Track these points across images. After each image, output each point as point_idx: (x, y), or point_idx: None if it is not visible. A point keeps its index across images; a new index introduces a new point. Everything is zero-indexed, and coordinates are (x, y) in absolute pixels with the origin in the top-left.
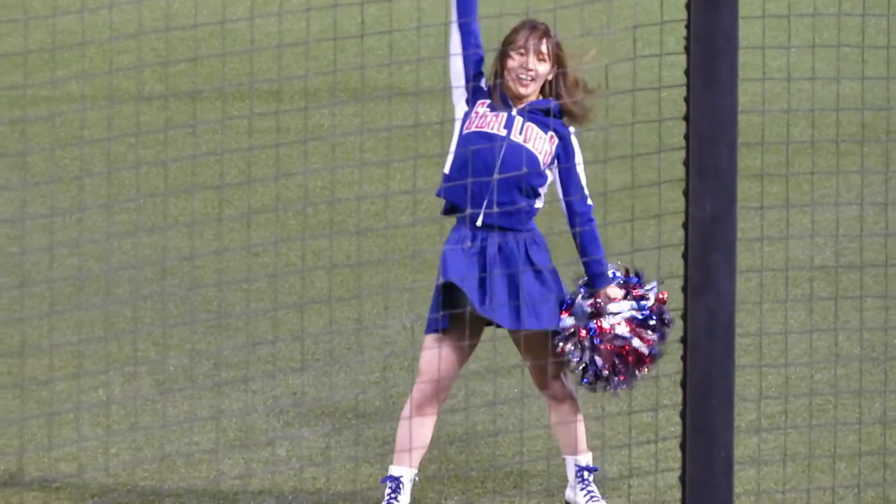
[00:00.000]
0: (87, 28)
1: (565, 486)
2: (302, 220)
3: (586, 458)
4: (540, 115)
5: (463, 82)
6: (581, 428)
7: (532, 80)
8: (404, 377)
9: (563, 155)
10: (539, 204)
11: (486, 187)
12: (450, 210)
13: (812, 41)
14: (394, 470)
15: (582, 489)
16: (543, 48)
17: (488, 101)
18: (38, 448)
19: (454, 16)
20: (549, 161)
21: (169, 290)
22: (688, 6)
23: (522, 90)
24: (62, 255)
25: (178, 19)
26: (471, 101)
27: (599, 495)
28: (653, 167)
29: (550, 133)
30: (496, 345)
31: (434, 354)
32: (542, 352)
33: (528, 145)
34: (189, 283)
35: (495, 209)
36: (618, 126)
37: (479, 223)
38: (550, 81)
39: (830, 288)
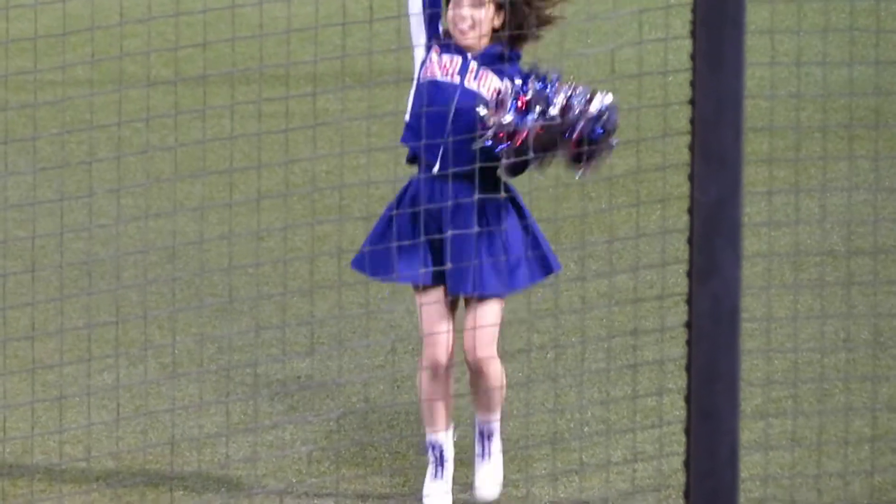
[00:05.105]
0: (96, 13)
1: (571, 471)
2: (309, 204)
3: (496, 419)
4: (495, 61)
5: (423, 40)
6: (500, 394)
7: (471, 27)
8: (410, 361)
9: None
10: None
11: (441, 137)
12: (412, 159)
13: (823, 25)
14: (429, 438)
15: (481, 448)
16: None
17: (441, 47)
18: (46, 431)
19: None
20: None
21: (177, 274)
22: None
23: (463, 39)
24: (70, 239)
25: (186, 3)
26: (427, 49)
27: (494, 455)
28: (658, 151)
29: (506, 80)
30: (500, 328)
31: (425, 313)
32: (488, 317)
33: (483, 92)
34: (197, 268)
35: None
36: (623, 110)
37: (435, 171)
38: (502, 25)
39: (837, 273)
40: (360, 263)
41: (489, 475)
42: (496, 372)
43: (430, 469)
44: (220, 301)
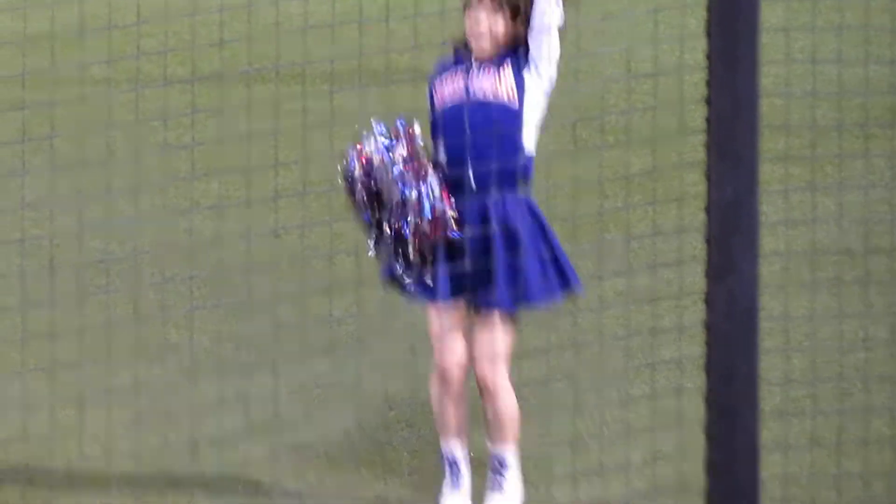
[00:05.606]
0: (113, 11)
1: (590, 472)
2: (326, 202)
3: (508, 450)
4: (495, 60)
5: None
6: (512, 424)
7: (487, 32)
8: (428, 361)
9: (522, 58)
10: (528, 148)
11: (464, 152)
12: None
13: (838, 23)
14: (444, 447)
15: (492, 479)
16: (489, 1)
17: (438, 76)
18: (65, 432)
19: None
20: (514, 93)
21: (194, 273)
22: None
23: (478, 44)
24: (87, 238)
25: (202, 2)
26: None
27: (504, 487)
28: (674, 150)
29: (504, 67)
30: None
31: (435, 322)
32: (495, 331)
33: (490, 96)
34: (215, 267)
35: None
36: (639, 109)
37: (472, 185)
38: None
39: (855, 271)
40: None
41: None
42: (505, 392)
43: (447, 478)
44: (238, 300)
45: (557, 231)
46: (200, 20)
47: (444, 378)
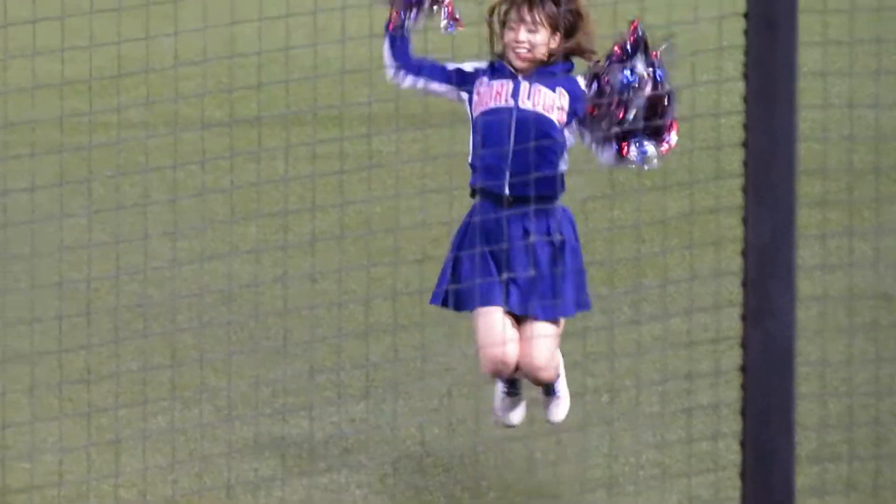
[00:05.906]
0: (151, 55)
1: None
2: (363, 246)
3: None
4: (545, 77)
5: (456, 94)
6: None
7: (528, 51)
8: (465, 405)
9: (578, 107)
10: (563, 166)
11: (504, 161)
12: (481, 193)
13: (874, 68)
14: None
15: (547, 396)
16: (532, 17)
17: (486, 77)
18: (101, 475)
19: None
20: (564, 119)
21: (231, 317)
22: (746, 32)
23: (520, 63)
24: (125, 282)
25: (240, 46)
26: (470, 89)
27: (559, 393)
28: (711, 194)
29: (559, 89)
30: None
31: (483, 325)
32: (548, 342)
33: (539, 108)
34: (251, 311)
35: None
36: (676, 152)
37: (507, 195)
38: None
39: (892, 316)
40: (439, 299)
41: (558, 406)
42: (553, 376)
43: (502, 392)
44: (274, 344)
45: (594, 275)
46: (238, 63)
47: (498, 373)
